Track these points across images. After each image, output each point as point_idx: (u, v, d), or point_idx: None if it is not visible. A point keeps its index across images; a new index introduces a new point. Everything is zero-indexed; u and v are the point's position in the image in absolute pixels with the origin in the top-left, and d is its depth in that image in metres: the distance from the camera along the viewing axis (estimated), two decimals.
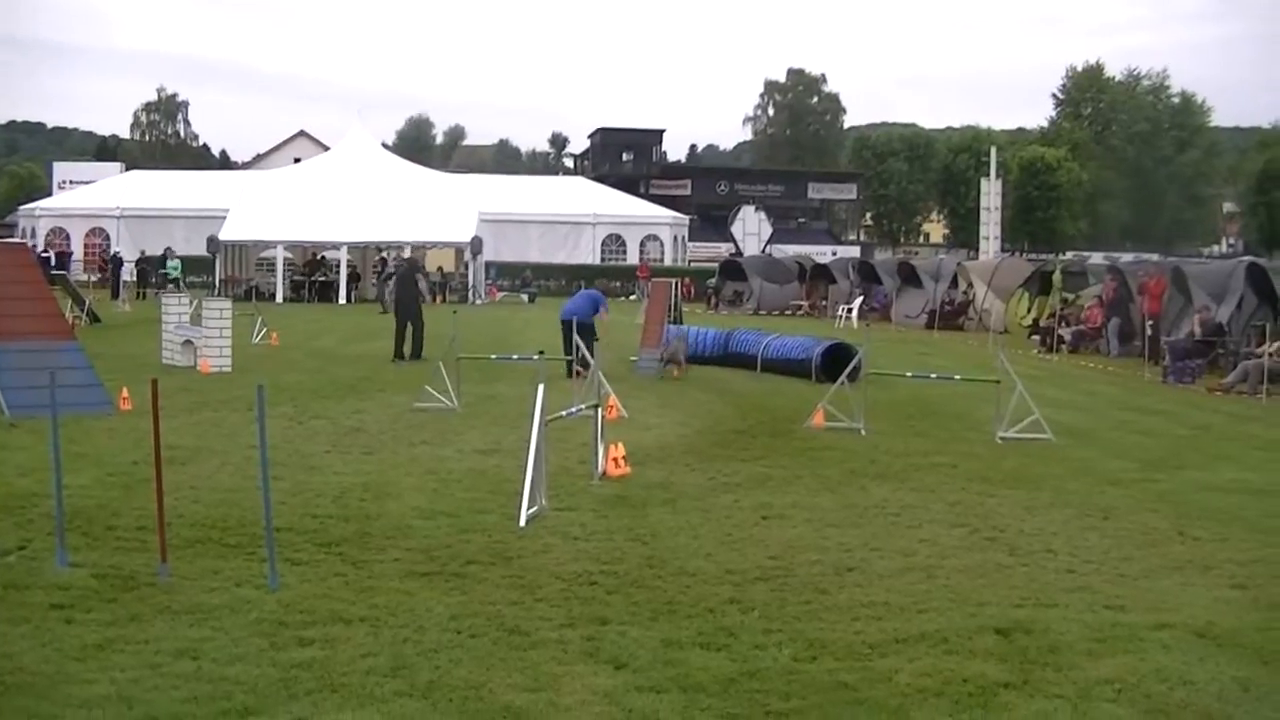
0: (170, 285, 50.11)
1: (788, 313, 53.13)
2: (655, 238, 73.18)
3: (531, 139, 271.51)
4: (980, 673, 7.76)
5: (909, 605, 9.26)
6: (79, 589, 9.18)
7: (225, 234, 58.48)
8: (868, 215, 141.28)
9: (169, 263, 56.91)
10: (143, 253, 61.48)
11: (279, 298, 56.55)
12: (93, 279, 54.93)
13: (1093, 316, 36.68)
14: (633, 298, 49.31)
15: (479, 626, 8.50)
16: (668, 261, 70.22)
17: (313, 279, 59.77)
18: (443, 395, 19.71)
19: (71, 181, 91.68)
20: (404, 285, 29.58)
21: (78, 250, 69.02)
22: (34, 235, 68.71)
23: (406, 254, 32.25)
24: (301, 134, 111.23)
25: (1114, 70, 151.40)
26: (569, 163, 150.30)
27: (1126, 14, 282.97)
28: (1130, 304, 34.41)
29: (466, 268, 62.66)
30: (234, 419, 18.30)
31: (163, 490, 9.89)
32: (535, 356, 17.17)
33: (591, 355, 24.29)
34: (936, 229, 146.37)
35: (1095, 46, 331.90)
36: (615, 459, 14.29)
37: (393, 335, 28.68)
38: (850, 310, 47.34)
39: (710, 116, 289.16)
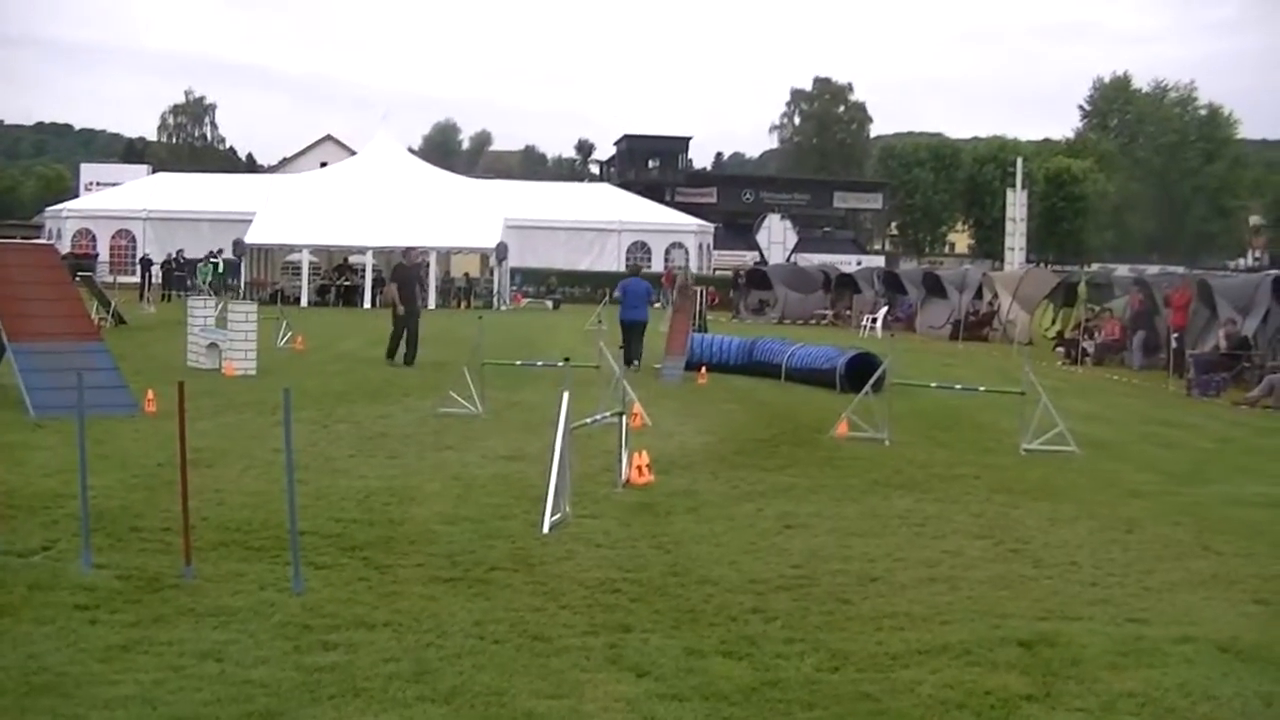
0: (212, 286, 50.41)
1: (812, 322, 53.10)
2: (680, 245, 73.22)
3: (557, 145, 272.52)
4: (1003, 685, 7.74)
5: (932, 616, 9.24)
6: (103, 590, 9.22)
7: (251, 237, 58.70)
8: (893, 225, 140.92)
9: (200, 266, 57.12)
10: (169, 255, 61.70)
11: (304, 301, 56.72)
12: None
13: (1110, 329, 36.63)
14: (658, 305, 49.28)
15: (502, 633, 8.51)
16: (692, 269, 70.19)
17: (338, 283, 59.96)
18: (467, 400, 19.74)
19: (99, 183, 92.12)
20: (408, 286, 29.24)
21: (104, 252, 69.33)
22: (60, 236, 69.06)
23: (405, 257, 31.33)
24: (328, 138, 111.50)
25: (1141, 82, 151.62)
26: (595, 169, 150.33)
27: (1153, 25, 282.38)
28: (1156, 316, 34.31)
29: (491, 273, 62.78)
30: (258, 422, 18.35)
31: (187, 492, 9.92)
32: (560, 363, 17.18)
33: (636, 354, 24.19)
34: (962, 239, 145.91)
35: (1122, 58, 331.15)
36: (639, 466, 14.29)
37: (393, 337, 28.53)
38: (875, 320, 47.27)
39: (736, 125, 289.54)
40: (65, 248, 63.98)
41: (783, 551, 11.24)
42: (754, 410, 21.84)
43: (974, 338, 44.07)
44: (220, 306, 28.73)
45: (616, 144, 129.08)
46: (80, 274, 39.60)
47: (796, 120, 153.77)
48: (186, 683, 7.36)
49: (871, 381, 19.45)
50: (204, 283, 54.91)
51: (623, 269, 68.74)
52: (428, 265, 57.36)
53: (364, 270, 58.98)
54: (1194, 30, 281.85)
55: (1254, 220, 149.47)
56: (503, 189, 74.60)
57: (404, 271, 29.81)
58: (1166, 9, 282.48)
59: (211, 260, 58.76)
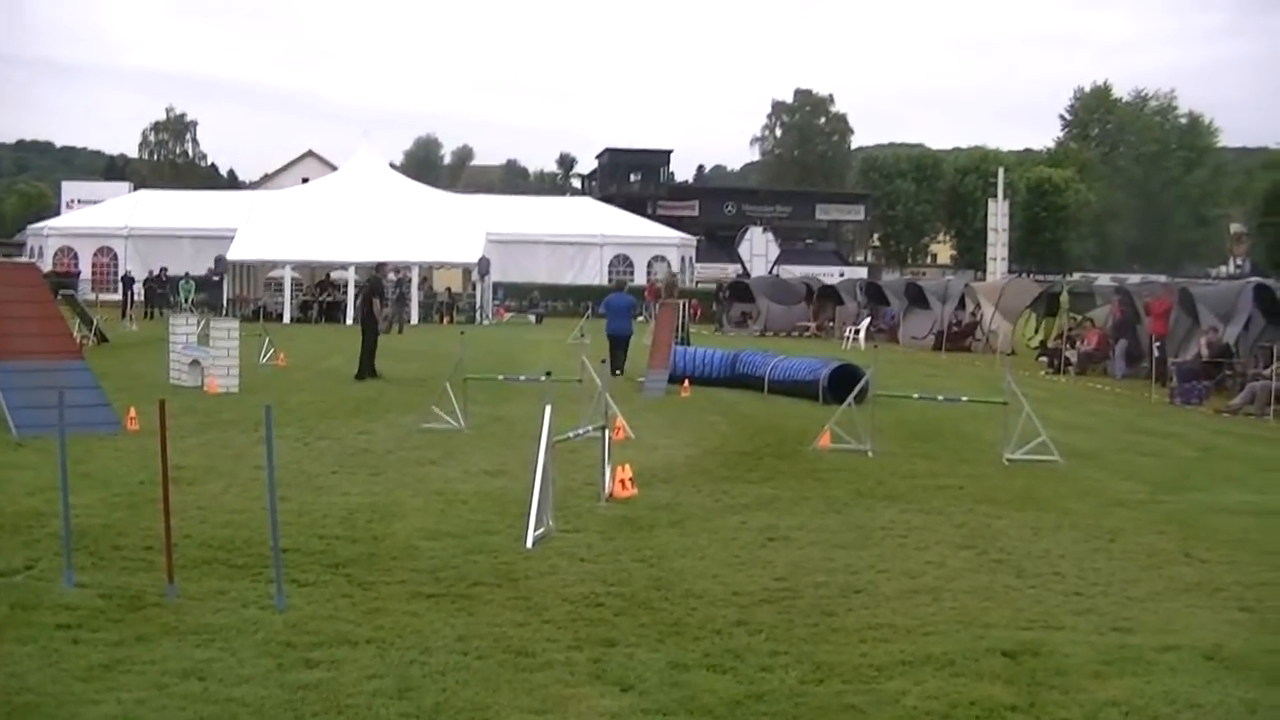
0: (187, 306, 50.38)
1: (795, 334, 53.10)
2: (662, 259, 73.25)
3: (539, 159, 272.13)
4: (987, 695, 7.74)
5: (916, 627, 9.24)
6: (86, 609, 9.18)
7: (233, 254, 58.64)
8: (875, 236, 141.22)
9: (181, 284, 57.02)
10: (150, 273, 61.61)
11: (286, 318, 56.60)
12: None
13: (1090, 339, 36.71)
14: (640, 318, 49.11)
15: (485, 648, 8.49)
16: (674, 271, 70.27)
17: (320, 299, 59.86)
18: (450, 416, 19.72)
19: (80, 201, 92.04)
20: (383, 301, 29.31)
21: (86, 270, 69.15)
22: (41, 255, 68.91)
23: (378, 271, 31.36)
24: (310, 154, 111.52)
25: (1121, 91, 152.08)
26: (576, 183, 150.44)
27: (1133, 35, 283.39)
28: (1138, 325, 34.39)
29: (474, 288, 62.74)
30: (241, 439, 18.30)
31: (170, 510, 9.89)
32: (543, 378, 17.17)
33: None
34: (944, 250, 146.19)
35: (1102, 67, 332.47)
36: (622, 480, 14.27)
37: (363, 354, 28.58)
38: (858, 331, 47.34)
39: (718, 137, 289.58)
40: (47, 266, 63.83)
41: (766, 564, 11.23)
42: (737, 422, 21.84)
43: (957, 348, 44.13)
44: (202, 324, 28.67)
45: (598, 158, 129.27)
46: (62, 292, 39.51)
47: (778, 132, 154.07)
48: (169, 701, 7.33)
49: (854, 393, 19.45)
50: (185, 300, 54.80)
51: (605, 283, 69.03)
52: (409, 280, 57.31)
53: (346, 286, 58.87)
54: (1176, 39, 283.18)
55: (1235, 228, 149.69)
56: (485, 203, 74.75)
57: (381, 287, 30.00)
58: (1151, 17, 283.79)
59: (193, 278, 58.73)
